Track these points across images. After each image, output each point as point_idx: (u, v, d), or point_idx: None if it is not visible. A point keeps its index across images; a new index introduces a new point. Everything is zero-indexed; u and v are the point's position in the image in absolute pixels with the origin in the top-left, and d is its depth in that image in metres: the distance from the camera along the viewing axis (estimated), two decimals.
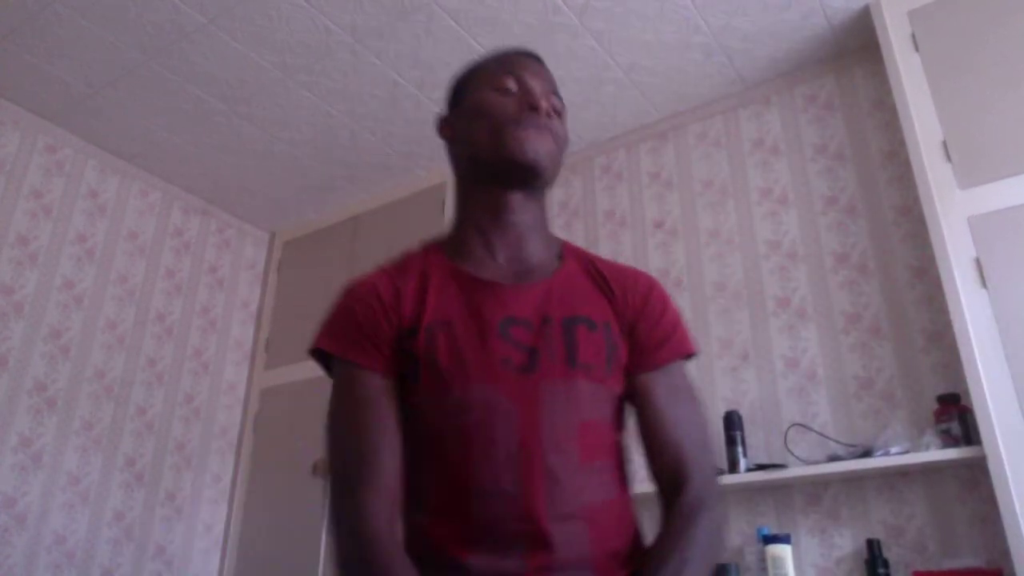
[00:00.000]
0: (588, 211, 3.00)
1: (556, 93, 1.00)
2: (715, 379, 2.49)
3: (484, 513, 0.84)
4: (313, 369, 3.30)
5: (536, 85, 0.97)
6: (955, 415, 1.97)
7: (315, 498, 2.95)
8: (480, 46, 2.55)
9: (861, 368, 2.26)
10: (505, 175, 0.95)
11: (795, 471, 2.13)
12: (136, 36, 2.52)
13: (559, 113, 0.99)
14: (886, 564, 1.99)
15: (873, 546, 2.01)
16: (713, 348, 2.53)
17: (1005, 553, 1.85)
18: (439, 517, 0.87)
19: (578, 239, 2.98)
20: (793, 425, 2.28)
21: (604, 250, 2.90)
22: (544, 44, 2.54)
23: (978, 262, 1.96)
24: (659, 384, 0.97)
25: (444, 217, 3.11)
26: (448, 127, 1.03)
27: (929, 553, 2.01)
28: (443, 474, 0.88)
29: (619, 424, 0.98)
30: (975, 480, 2.00)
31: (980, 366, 1.87)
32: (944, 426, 1.98)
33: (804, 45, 2.57)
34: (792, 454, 2.23)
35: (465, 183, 1.01)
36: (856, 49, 2.57)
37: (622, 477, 0.97)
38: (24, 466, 2.63)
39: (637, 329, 0.97)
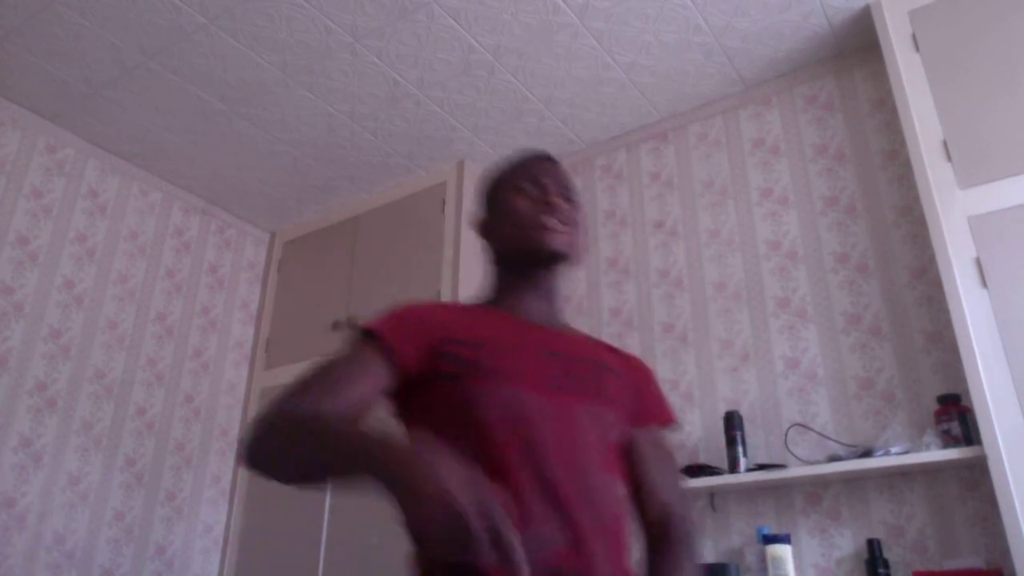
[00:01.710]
0: (588, 211, 3.00)
1: (568, 187, 1.18)
2: (715, 379, 2.49)
3: (526, 495, 0.92)
4: None
5: (550, 184, 1.16)
6: (955, 415, 1.97)
7: (316, 498, 2.95)
8: (480, 46, 2.55)
9: (861, 368, 2.26)
10: (533, 260, 1.14)
11: (795, 471, 2.13)
12: (136, 36, 2.52)
13: (573, 203, 1.17)
14: (886, 564, 1.99)
15: (873, 546, 2.01)
16: (713, 348, 2.53)
17: (1005, 553, 1.85)
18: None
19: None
20: (793, 425, 2.28)
21: (604, 250, 2.90)
22: (544, 44, 2.55)
23: (978, 262, 1.96)
24: (649, 438, 1.15)
25: (444, 217, 3.12)
26: (483, 227, 1.23)
27: (929, 553, 2.01)
28: (487, 454, 0.93)
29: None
30: (975, 480, 2.00)
31: (980, 366, 1.87)
32: (944, 426, 1.98)
33: (804, 45, 2.57)
34: (792, 454, 2.23)
35: (497, 265, 1.20)
36: (856, 49, 2.57)
37: (627, 501, 1.10)
38: (24, 466, 2.63)
39: (639, 391, 1.16)
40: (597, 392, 1.06)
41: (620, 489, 1.05)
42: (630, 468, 1.09)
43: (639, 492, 1.10)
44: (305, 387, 0.95)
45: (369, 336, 1.02)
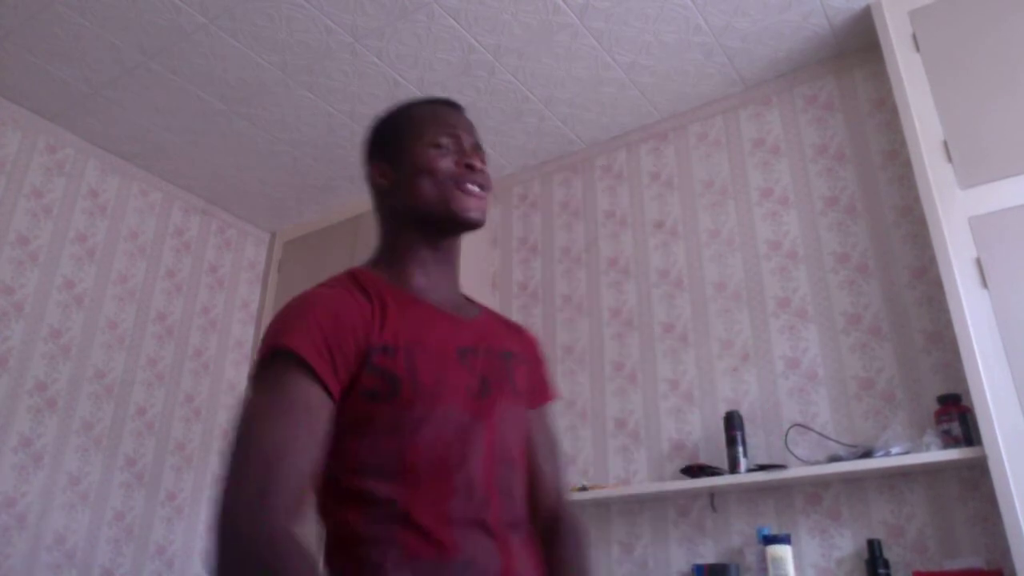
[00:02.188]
0: (588, 211, 3.00)
1: (480, 144, 1.11)
2: (715, 379, 2.49)
3: (457, 517, 0.91)
4: None
5: (467, 140, 1.08)
6: (955, 415, 1.97)
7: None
8: (480, 46, 2.55)
9: (861, 368, 2.26)
10: (449, 227, 1.06)
11: (795, 471, 2.13)
12: (136, 36, 2.52)
13: (484, 162, 1.09)
14: (886, 564, 1.99)
15: (873, 546, 2.01)
16: (713, 348, 2.53)
17: (1005, 553, 1.85)
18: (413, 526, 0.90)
19: (578, 239, 2.98)
20: (793, 425, 2.28)
21: (604, 250, 2.90)
22: (544, 44, 2.54)
23: (979, 262, 1.96)
24: (539, 422, 1.14)
25: None
26: (383, 176, 1.10)
27: (930, 553, 2.01)
28: (413, 482, 0.91)
29: None
30: (975, 480, 2.00)
31: (981, 366, 1.87)
32: (944, 426, 1.98)
33: (805, 45, 2.57)
34: (792, 454, 2.23)
35: (401, 225, 1.08)
36: (857, 49, 2.57)
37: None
38: (24, 466, 2.63)
39: (533, 371, 1.15)
40: (510, 389, 1.03)
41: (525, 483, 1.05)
42: (527, 457, 1.08)
43: (532, 482, 1.08)
44: (246, 480, 0.82)
45: (289, 357, 0.89)
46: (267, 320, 3.57)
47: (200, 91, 2.78)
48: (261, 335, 3.55)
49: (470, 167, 1.06)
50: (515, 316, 3.02)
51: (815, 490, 2.21)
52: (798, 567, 2.14)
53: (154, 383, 3.10)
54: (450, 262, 1.09)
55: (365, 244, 3.37)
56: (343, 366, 0.90)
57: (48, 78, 2.72)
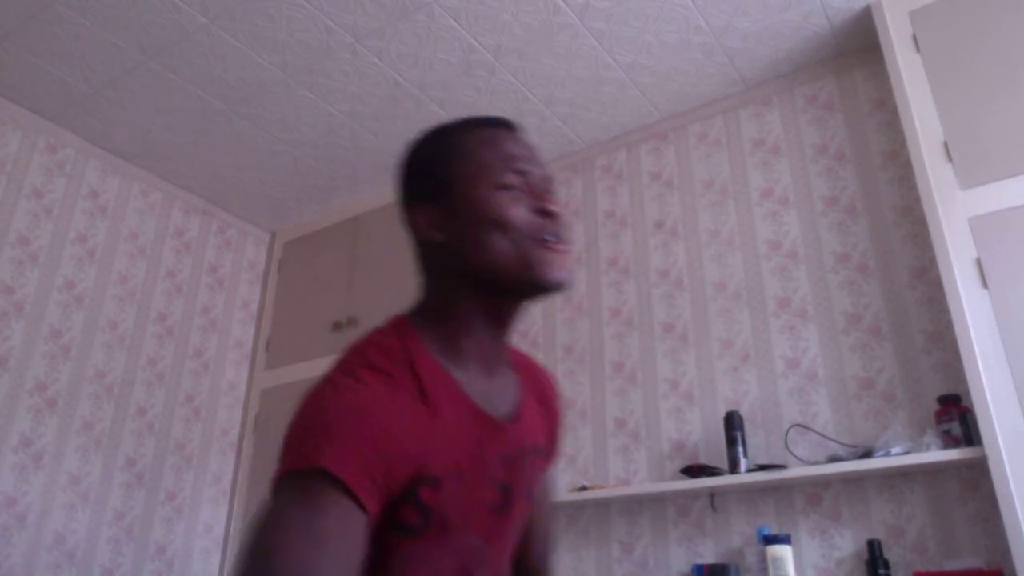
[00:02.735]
0: (588, 211, 3.00)
1: (551, 177, 0.91)
2: (715, 379, 2.49)
3: None
4: (313, 369, 3.31)
5: (536, 175, 0.88)
6: (956, 415, 1.97)
7: None
8: (481, 46, 2.55)
9: (862, 368, 2.26)
10: (529, 293, 0.86)
11: (795, 471, 2.13)
12: (136, 36, 2.52)
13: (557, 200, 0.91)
14: (887, 564, 1.99)
15: (874, 546, 2.01)
16: (713, 348, 2.53)
17: (1005, 553, 1.85)
18: None
19: (578, 239, 2.98)
20: (794, 425, 2.28)
21: (604, 250, 2.90)
22: (545, 44, 2.55)
23: (979, 262, 1.96)
24: (541, 491, 1.05)
25: None
26: (434, 227, 0.87)
27: (930, 554, 2.01)
28: None
29: None
30: (976, 480, 2.00)
31: (981, 367, 1.87)
32: (945, 426, 1.98)
33: (805, 45, 2.57)
34: (792, 454, 2.23)
35: (458, 288, 0.87)
36: (857, 49, 2.57)
37: None
38: (24, 466, 2.63)
39: (551, 444, 1.04)
40: (526, 494, 0.92)
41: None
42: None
43: (522, 545, 1.03)
44: None
45: (327, 479, 0.71)
46: (267, 320, 3.57)
47: (200, 91, 2.78)
48: (261, 335, 3.56)
49: (548, 213, 0.85)
50: None
51: (815, 490, 2.21)
52: (798, 567, 2.14)
53: (154, 383, 3.10)
54: (510, 330, 0.90)
55: (365, 244, 3.37)
56: (387, 496, 0.75)
57: (48, 78, 2.72)
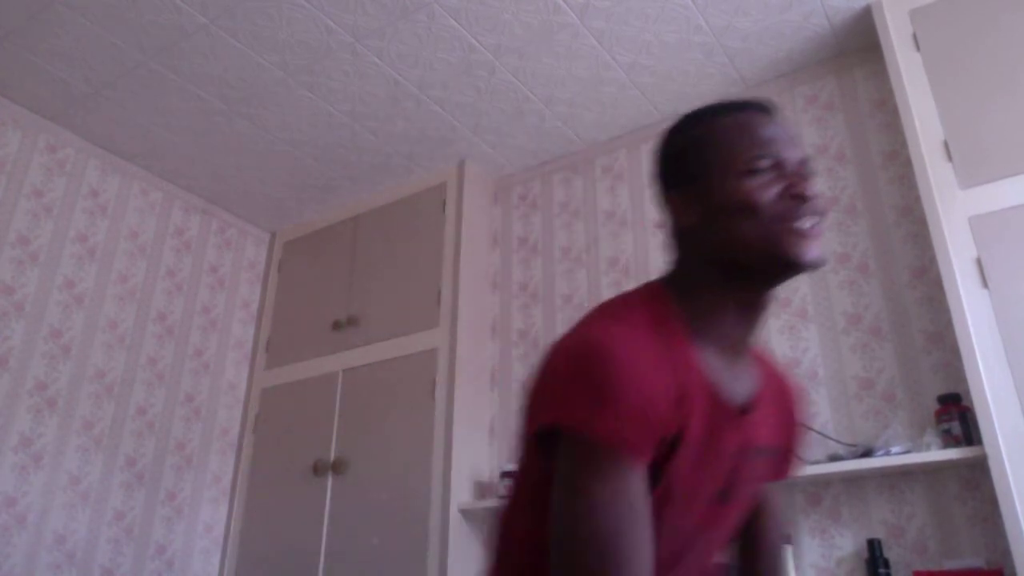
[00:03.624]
0: (589, 211, 3.00)
1: (806, 156, 0.90)
2: None
3: None
4: (313, 369, 3.31)
5: (790, 158, 0.87)
6: (956, 415, 1.97)
7: (315, 497, 2.95)
8: (481, 46, 2.55)
9: (862, 368, 2.26)
10: (778, 274, 0.86)
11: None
12: (136, 36, 2.52)
13: (814, 180, 0.89)
14: (887, 564, 1.99)
15: (874, 546, 2.01)
16: None
17: (1006, 553, 1.85)
18: None
19: (579, 239, 2.98)
20: None
21: (605, 250, 2.90)
22: (545, 44, 2.55)
23: (979, 262, 1.96)
24: (768, 505, 1.07)
25: (444, 217, 3.11)
26: (688, 212, 0.90)
27: (930, 553, 2.01)
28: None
29: None
30: (976, 480, 2.00)
31: (981, 366, 1.87)
32: (945, 426, 1.98)
33: (805, 45, 2.57)
34: None
35: (709, 273, 0.88)
36: (857, 49, 2.57)
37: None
38: (24, 466, 2.63)
39: (784, 455, 1.02)
40: (746, 495, 0.94)
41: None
42: (744, 535, 1.05)
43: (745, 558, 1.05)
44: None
45: (618, 445, 0.75)
46: (267, 320, 3.57)
47: (200, 91, 2.79)
48: (261, 335, 3.55)
49: (799, 197, 0.85)
50: (515, 316, 3.02)
51: (815, 490, 2.21)
52: (798, 567, 2.14)
53: (154, 383, 3.10)
54: (759, 316, 0.90)
55: (365, 244, 3.37)
56: (653, 443, 0.78)
57: (48, 78, 2.72)
